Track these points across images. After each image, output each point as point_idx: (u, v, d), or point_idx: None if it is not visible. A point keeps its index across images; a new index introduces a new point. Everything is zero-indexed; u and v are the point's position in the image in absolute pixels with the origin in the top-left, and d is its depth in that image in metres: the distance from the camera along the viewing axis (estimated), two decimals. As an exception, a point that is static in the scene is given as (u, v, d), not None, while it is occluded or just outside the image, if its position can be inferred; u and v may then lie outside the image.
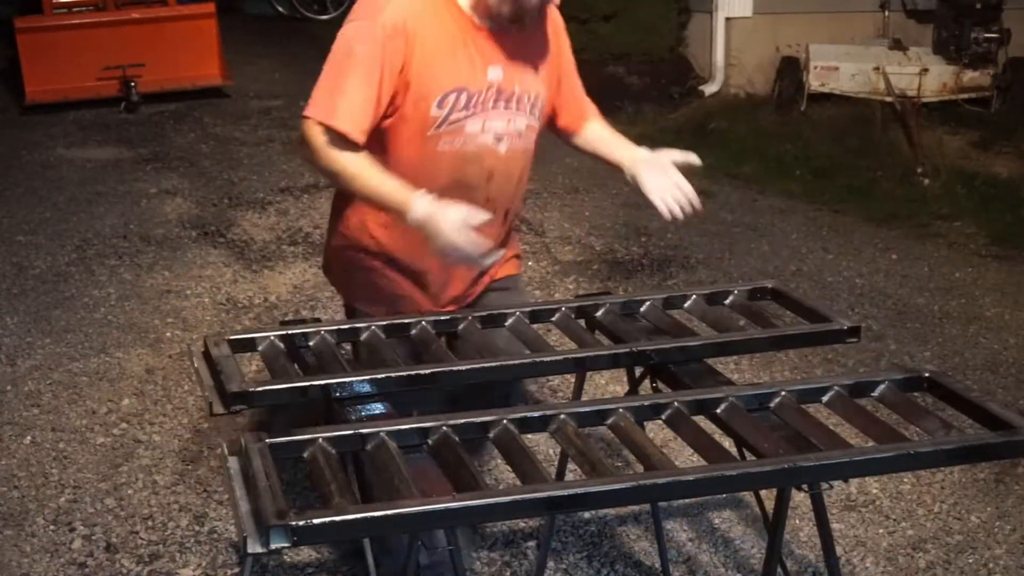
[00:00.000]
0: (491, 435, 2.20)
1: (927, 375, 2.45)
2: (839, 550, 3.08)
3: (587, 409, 2.29)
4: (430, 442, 2.15)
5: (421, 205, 2.41)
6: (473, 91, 2.54)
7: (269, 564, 3.22)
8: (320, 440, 2.11)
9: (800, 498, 2.39)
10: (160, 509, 3.50)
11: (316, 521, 1.83)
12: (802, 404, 2.35)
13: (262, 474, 1.94)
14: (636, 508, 3.51)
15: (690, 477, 2.04)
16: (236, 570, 3.20)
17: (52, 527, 3.42)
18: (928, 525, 3.53)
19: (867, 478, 3.74)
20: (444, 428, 2.16)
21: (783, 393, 2.35)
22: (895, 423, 2.39)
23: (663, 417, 2.30)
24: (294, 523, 1.81)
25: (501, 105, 2.58)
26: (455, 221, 2.39)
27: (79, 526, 3.42)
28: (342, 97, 2.43)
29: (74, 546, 3.33)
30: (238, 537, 2.02)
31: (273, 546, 1.80)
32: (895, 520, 3.55)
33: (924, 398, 2.48)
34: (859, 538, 3.45)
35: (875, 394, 2.42)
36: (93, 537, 3.37)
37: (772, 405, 2.34)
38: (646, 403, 2.32)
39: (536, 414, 2.24)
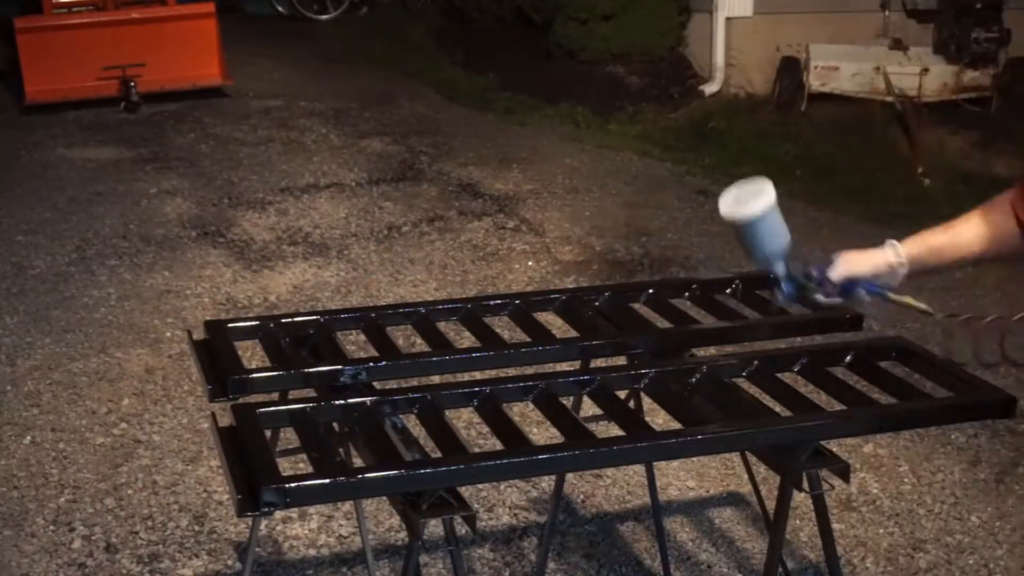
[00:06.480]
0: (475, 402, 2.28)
1: (895, 344, 2.52)
2: (839, 550, 3.07)
3: (565, 380, 2.37)
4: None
5: None
6: None
7: (269, 564, 3.22)
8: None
9: (800, 498, 2.38)
10: (160, 509, 3.50)
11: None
12: (775, 373, 2.44)
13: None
14: (636, 508, 3.51)
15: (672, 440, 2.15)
16: (236, 570, 3.20)
17: (52, 527, 3.42)
18: (928, 525, 3.53)
19: (867, 478, 3.74)
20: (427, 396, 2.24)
21: (755, 362, 2.44)
22: (866, 389, 2.46)
23: (641, 386, 2.39)
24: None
25: None
26: None
27: (79, 526, 3.42)
28: None
29: (74, 546, 3.33)
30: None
31: None
32: (895, 520, 3.54)
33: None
34: (859, 538, 3.45)
35: (845, 362, 2.50)
36: (93, 537, 3.37)
37: (745, 374, 2.43)
38: (623, 373, 2.41)
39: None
